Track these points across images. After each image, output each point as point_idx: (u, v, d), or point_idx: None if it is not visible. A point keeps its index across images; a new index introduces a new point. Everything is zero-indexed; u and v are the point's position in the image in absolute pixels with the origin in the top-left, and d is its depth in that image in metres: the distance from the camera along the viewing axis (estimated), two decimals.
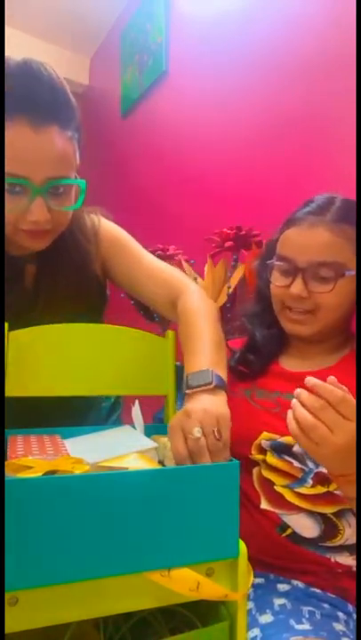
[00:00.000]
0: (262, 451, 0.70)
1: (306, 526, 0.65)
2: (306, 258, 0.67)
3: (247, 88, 1.48)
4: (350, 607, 0.65)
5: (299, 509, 0.66)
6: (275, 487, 0.68)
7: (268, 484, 0.69)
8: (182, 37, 1.88)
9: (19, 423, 0.69)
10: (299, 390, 0.51)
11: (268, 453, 0.69)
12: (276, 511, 0.67)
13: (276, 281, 0.72)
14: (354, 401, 0.50)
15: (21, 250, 0.73)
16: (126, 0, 2.35)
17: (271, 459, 0.69)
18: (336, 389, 0.50)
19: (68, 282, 0.76)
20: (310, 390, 0.50)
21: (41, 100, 0.61)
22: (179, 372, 0.75)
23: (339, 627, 0.60)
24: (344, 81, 1.10)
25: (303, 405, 0.51)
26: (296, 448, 0.67)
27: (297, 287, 0.67)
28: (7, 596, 0.40)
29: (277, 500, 0.68)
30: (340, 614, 0.63)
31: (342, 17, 1.13)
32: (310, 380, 0.50)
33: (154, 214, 2.02)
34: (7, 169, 0.60)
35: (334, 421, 0.49)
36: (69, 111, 0.65)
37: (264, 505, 0.69)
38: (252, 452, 0.71)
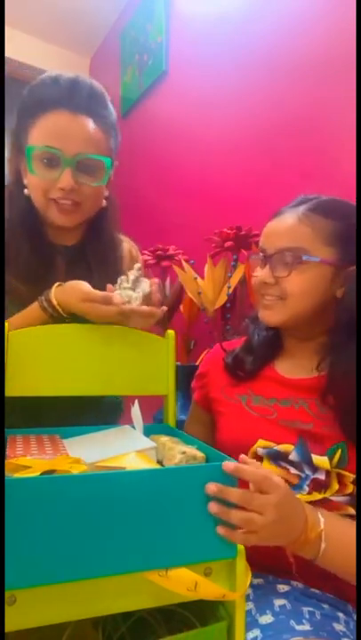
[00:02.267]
0: (258, 458, 0.69)
1: None
2: (273, 245, 0.70)
3: (247, 88, 1.48)
4: (350, 607, 0.65)
5: None
6: None
7: None
8: (182, 37, 1.89)
9: (20, 423, 0.70)
10: (228, 491, 0.49)
11: (265, 460, 0.69)
12: None
13: (255, 272, 0.75)
14: (271, 473, 0.53)
15: (54, 232, 0.84)
16: (126, 0, 2.35)
17: (268, 466, 0.68)
18: (257, 471, 0.51)
19: (93, 281, 0.80)
20: (234, 472, 0.50)
21: (80, 99, 0.75)
22: (179, 372, 0.76)
23: (339, 627, 0.60)
24: (344, 81, 1.10)
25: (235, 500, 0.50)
26: (292, 455, 0.67)
27: (264, 274, 0.70)
28: (6, 595, 0.40)
29: None
30: (341, 614, 0.63)
31: (342, 17, 1.13)
32: (229, 466, 0.49)
33: (154, 214, 2.02)
34: (45, 141, 0.73)
35: (262, 504, 0.50)
36: (105, 113, 0.79)
37: None
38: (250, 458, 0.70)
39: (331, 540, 0.56)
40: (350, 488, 0.64)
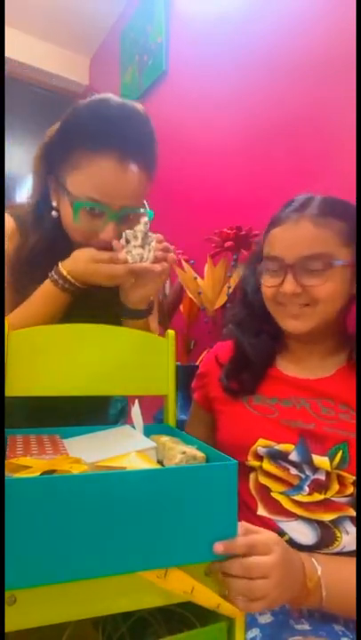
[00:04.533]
0: (259, 457, 0.69)
1: (303, 533, 0.65)
2: (294, 253, 0.67)
3: (247, 88, 1.48)
4: None
5: (296, 516, 0.65)
6: (271, 494, 0.68)
7: (264, 491, 0.69)
8: (182, 37, 1.89)
9: (20, 423, 0.70)
10: (226, 566, 0.48)
11: (265, 460, 0.69)
12: (273, 518, 0.67)
13: (267, 282, 0.72)
14: (262, 531, 0.51)
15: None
16: (126, 0, 2.35)
17: (268, 465, 0.68)
18: (249, 540, 0.48)
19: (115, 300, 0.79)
20: (226, 552, 0.47)
21: (130, 142, 0.70)
22: (179, 372, 0.75)
23: (338, 627, 0.60)
24: (344, 81, 1.10)
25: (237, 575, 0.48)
26: (293, 455, 0.67)
27: (290, 285, 0.67)
28: (6, 595, 0.40)
29: (274, 506, 0.67)
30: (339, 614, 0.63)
31: (342, 17, 1.13)
32: (218, 548, 0.46)
33: (154, 214, 2.02)
34: (92, 194, 0.70)
35: (265, 569, 0.48)
36: (151, 152, 0.76)
37: (261, 511, 0.68)
38: (249, 458, 0.70)
39: (331, 588, 0.55)
40: (350, 489, 0.64)
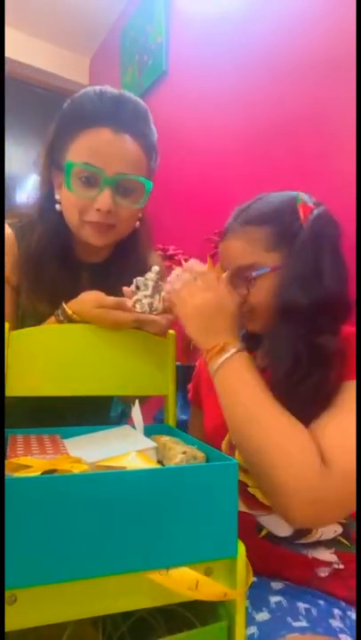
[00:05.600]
0: (233, 447, 0.70)
1: (279, 525, 0.65)
2: (228, 266, 0.71)
3: (247, 88, 1.48)
4: (343, 604, 0.65)
5: (270, 509, 0.66)
6: (248, 489, 0.68)
7: (242, 486, 0.69)
8: (182, 37, 1.89)
9: (21, 423, 0.70)
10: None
11: (237, 451, 0.69)
12: (252, 512, 0.68)
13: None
14: (213, 275, 0.67)
15: (81, 249, 0.83)
16: (126, 0, 2.35)
17: (240, 458, 0.69)
18: (197, 265, 0.68)
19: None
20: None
21: (123, 117, 0.73)
22: (179, 372, 0.76)
23: (335, 623, 0.60)
24: (344, 81, 1.10)
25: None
26: None
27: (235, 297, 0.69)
28: (6, 594, 0.40)
29: (251, 501, 0.68)
30: (336, 610, 0.63)
31: (342, 17, 1.13)
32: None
33: (154, 214, 2.02)
34: (86, 160, 0.71)
35: (191, 290, 0.64)
36: (147, 132, 0.77)
37: (241, 507, 0.69)
38: (223, 447, 0.72)
39: (227, 370, 0.61)
40: None
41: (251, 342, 0.79)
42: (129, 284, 0.71)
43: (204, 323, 0.64)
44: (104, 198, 0.72)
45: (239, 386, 0.60)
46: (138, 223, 0.83)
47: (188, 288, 0.66)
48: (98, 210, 0.72)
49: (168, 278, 0.69)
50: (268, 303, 0.67)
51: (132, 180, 0.74)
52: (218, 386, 0.62)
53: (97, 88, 0.75)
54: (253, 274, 0.67)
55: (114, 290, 0.76)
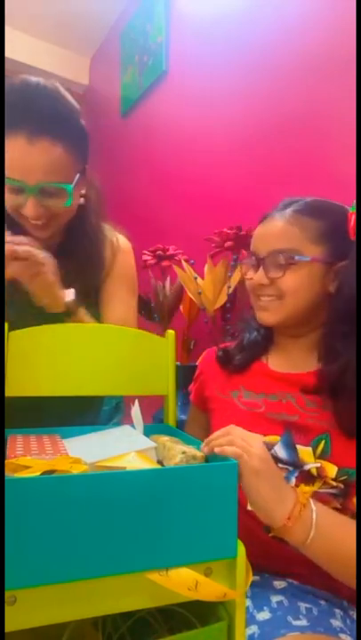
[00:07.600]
0: None
1: None
2: (265, 248, 0.72)
3: (247, 88, 1.48)
4: (345, 603, 0.65)
5: None
6: None
7: None
8: (182, 37, 1.89)
9: (20, 423, 0.70)
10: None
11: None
12: None
13: (247, 275, 0.77)
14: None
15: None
16: (126, 0, 2.35)
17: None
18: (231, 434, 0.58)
19: (82, 278, 0.85)
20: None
21: (37, 115, 0.72)
22: (179, 372, 0.76)
23: (336, 623, 0.60)
24: (345, 81, 1.10)
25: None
26: (278, 447, 0.67)
27: (257, 275, 0.72)
28: (6, 595, 0.40)
29: None
30: (337, 610, 0.63)
31: (342, 17, 1.13)
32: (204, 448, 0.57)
33: (154, 214, 2.02)
34: (8, 174, 0.73)
35: (244, 436, 0.57)
36: (67, 128, 0.75)
37: (251, 506, 0.68)
38: None
39: (321, 528, 0.54)
40: (334, 481, 0.64)
41: (257, 348, 0.81)
42: (82, 260, 0.80)
43: (271, 488, 0.55)
44: (28, 208, 0.75)
45: (341, 543, 0.56)
46: (82, 200, 0.85)
47: (241, 434, 0.57)
48: (24, 214, 0.76)
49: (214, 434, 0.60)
50: (296, 292, 0.69)
51: (53, 186, 0.76)
52: (317, 550, 0.56)
53: (19, 81, 0.74)
54: (296, 257, 0.68)
55: (71, 263, 0.82)
